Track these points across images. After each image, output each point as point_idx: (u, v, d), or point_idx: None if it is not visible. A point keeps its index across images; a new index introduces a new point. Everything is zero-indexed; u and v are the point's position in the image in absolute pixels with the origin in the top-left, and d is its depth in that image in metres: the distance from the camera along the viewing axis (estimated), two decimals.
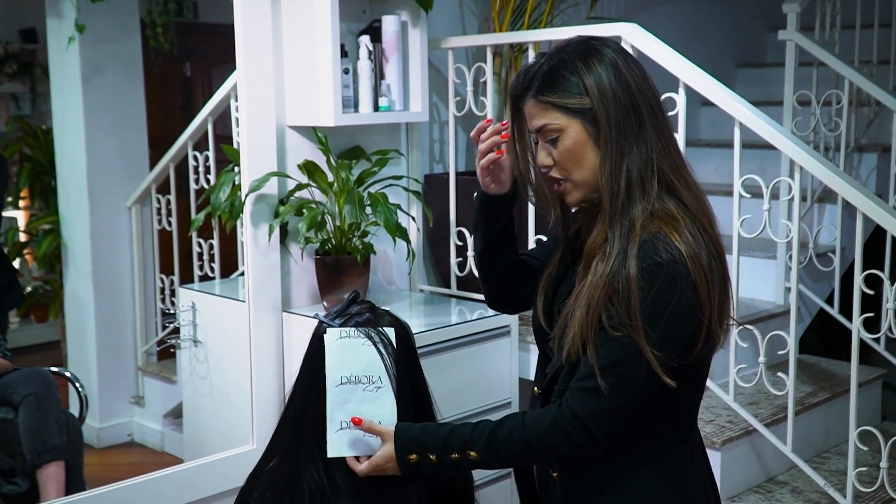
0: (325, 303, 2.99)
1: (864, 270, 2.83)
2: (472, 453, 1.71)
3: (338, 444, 1.80)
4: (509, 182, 1.90)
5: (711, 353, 1.74)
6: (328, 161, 2.99)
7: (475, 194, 1.95)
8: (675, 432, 1.76)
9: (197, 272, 3.34)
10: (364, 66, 3.06)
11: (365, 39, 3.08)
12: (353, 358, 1.80)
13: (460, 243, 3.43)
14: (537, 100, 1.71)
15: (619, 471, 1.74)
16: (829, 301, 4.02)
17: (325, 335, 1.81)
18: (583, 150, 1.69)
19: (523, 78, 1.75)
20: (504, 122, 1.86)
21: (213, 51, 3.54)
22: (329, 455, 1.80)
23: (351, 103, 3.04)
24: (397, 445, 1.75)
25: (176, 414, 3.37)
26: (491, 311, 3.12)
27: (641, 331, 1.60)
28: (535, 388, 1.89)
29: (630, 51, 2.89)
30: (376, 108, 3.11)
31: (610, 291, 1.62)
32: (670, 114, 2.92)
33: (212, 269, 3.32)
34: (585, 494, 1.77)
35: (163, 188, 3.35)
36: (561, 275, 1.86)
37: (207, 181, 3.27)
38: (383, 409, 1.81)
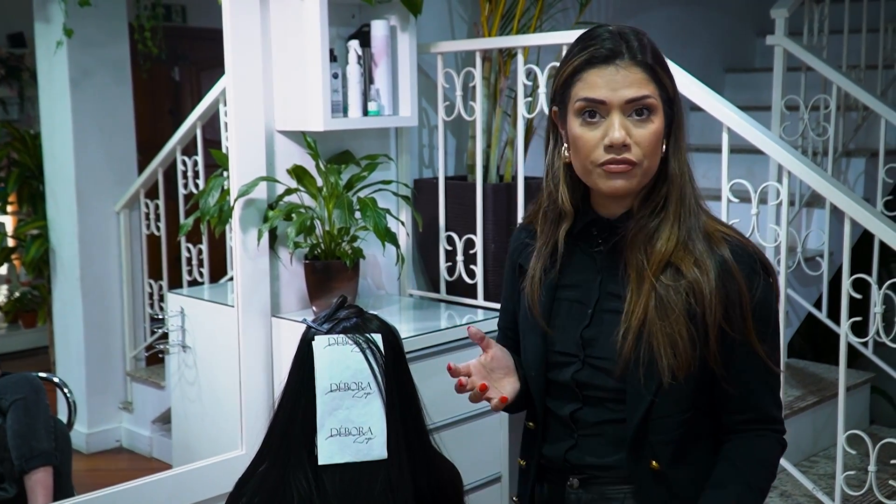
0: (314, 307, 2.99)
1: (851, 275, 2.84)
2: None
3: (328, 451, 1.80)
4: (516, 382, 1.76)
5: None
6: (317, 166, 2.99)
7: None
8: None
9: (186, 277, 3.33)
10: (353, 70, 3.06)
11: (354, 44, 3.08)
12: (342, 365, 1.80)
13: (449, 248, 3.43)
14: (647, 67, 1.59)
15: (713, 460, 1.72)
16: (818, 305, 4.03)
17: (313, 342, 1.80)
18: (661, 138, 1.62)
19: (628, 42, 1.60)
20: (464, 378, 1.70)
21: (202, 55, 3.54)
22: (320, 462, 1.79)
23: (340, 108, 3.04)
24: None
25: (165, 419, 3.36)
26: (480, 315, 3.12)
27: (753, 331, 1.61)
28: (530, 424, 1.82)
29: None
30: (365, 112, 3.11)
31: (724, 301, 1.60)
32: None
33: (200, 274, 3.31)
34: (689, 486, 1.69)
35: (151, 193, 3.34)
36: (549, 301, 1.74)
37: (196, 186, 3.26)
38: (372, 415, 1.81)
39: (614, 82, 1.57)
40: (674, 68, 2.90)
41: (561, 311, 1.74)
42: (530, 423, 1.82)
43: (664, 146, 1.64)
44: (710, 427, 1.70)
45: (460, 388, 1.70)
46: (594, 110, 1.59)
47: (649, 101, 1.58)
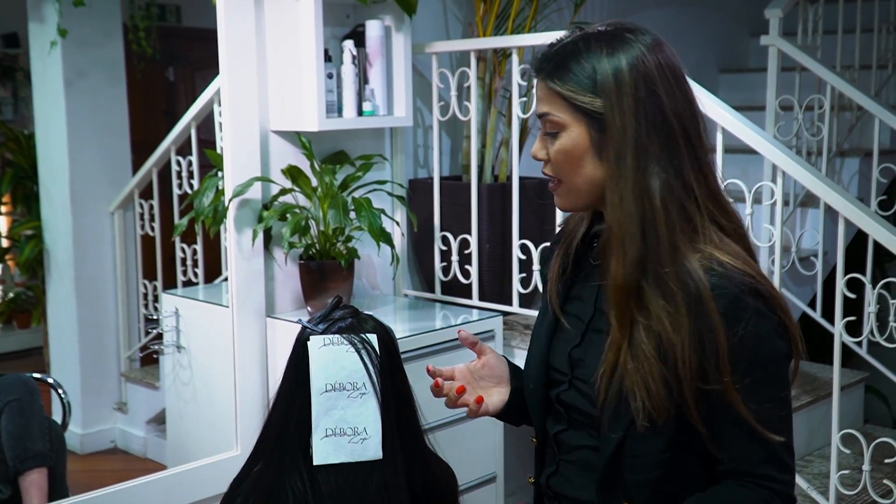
0: (309, 308, 2.99)
1: (846, 274, 2.84)
2: None
3: (323, 451, 1.80)
4: (506, 393, 1.72)
5: None
6: (312, 166, 2.98)
7: None
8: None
9: (180, 277, 3.32)
10: (348, 70, 3.06)
11: (349, 44, 3.08)
12: (337, 365, 1.80)
13: (444, 248, 3.43)
14: (545, 84, 1.50)
15: None
16: (812, 305, 4.03)
17: (308, 342, 1.80)
18: (582, 156, 1.48)
19: (542, 55, 1.53)
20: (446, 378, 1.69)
21: (196, 55, 3.53)
22: (315, 462, 1.79)
23: (335, 108, 3.04)
24: None
25: (159, 420, 3.36)
26: (475, 316, 3.12)
27: (732, 385, 1.40)
28: (533, 439, 1.71)
29: None
30: (360, 112, 3.11)
31: (698, 349, 1.41)
32: None
33: (195, 275, 3.31)
34: None
35: (146, 193, 3.34)
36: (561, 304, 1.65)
37: (191, 186, 3.26)
38: (367, 416, 1.81)
39: (538, 97, 1.54)
40: None
41: (564, 324, 1.64)
42: (533, 440, 1.73)
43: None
44: (698, 467, 1.51)
45: (436, 390, 1.66)
46: None
47: (551, 119, 1.50)
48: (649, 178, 1.44)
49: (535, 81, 1.54)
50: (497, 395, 1.71)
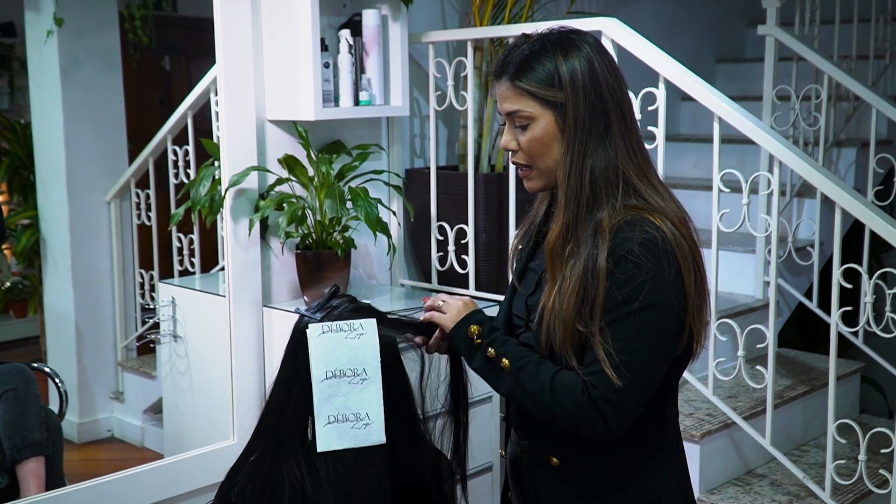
0: (305, 297, 2.99)
1: (842, 264, 2.84)
2: (505, 361, 1.72)
3: (326, 438, 1.80)
4: None
5: (690, 354, 1.75)
6: (308, 155, 2.98)
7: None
8: (664, 420, 1.80)
9: (177, 267, 3.32)
10: (344, 60, 3.05)
11: (345, 33, 3.07)
12: (337, 352, 1.80)
13: (441, 238, 3.43)
14: (512, 84, 1.72)
15: (621, 459, 1.77)
16: (808, 295, 4.04)
17: (307, 330, 1.80)
18: (551, 141, 1.71)
19: (502, 60, 1.76)
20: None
21: (192, 44, 3.53)
22: (319, 449, 1.79)
23: (331, 97, 3.04)
24: (472, 313, 1.79)
25: (156, 409, 3.36)
26: None
27: (598, 331, 1.63)
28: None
29: (610, 45, 2.91)
30: (357, 102, 3.10)
31: (581, 293, 1.65)
32: (650, 108, 2.94)
33: (192, 264, 3.30)
34: (584, 482, 1.79)
35: (142, 183, 3.33)
36: (522, 267, 1.90)
37: (187, 175, 3.26)
38: (369, 401, 1.81)
39: (500, 96, 1.76)
40: (664, 58, 2.91)
41: (526, 279, 1.88)
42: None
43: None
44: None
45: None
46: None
47: (523, 114, 1.72)
48: (589, 157, 1.69)
49: (500, 79, 1.75)
50: None
